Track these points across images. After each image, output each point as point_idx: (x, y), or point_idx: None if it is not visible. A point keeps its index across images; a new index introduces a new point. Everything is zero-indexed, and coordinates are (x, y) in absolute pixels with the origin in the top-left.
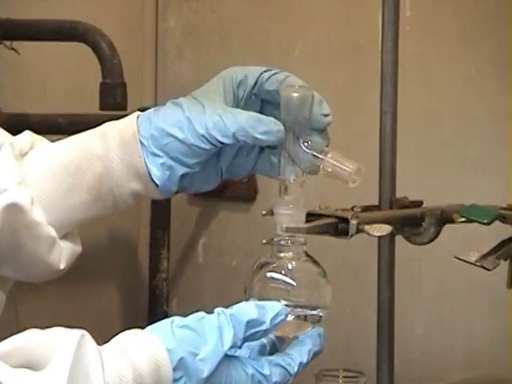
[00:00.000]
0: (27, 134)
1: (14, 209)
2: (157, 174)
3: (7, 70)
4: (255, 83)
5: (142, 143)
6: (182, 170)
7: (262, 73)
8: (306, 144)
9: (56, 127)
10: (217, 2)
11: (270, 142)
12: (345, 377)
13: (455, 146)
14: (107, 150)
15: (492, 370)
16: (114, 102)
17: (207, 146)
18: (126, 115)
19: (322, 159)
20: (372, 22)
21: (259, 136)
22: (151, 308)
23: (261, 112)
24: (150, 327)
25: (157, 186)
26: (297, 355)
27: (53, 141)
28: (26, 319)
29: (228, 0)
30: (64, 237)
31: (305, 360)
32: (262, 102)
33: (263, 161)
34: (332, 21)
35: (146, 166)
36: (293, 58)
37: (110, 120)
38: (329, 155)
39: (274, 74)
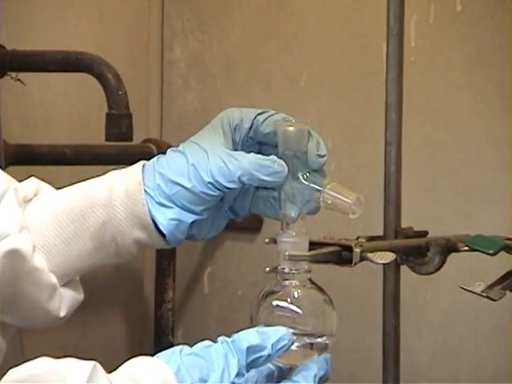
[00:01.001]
0: (33, 181)
1: (14, 255)
2: (163, 223)
3: (13, 101)
4: (251, 127)
5: (147, 193)
6: (190, 218)
7: (256, 116)
8: (305, 176)
9: (61, 158)
10: (222, 33)
11: (275, 183)
12: None
13: (460, 176)
14: (111, 198)
15: None
16: (119, 132)
17: (215, 193)
18: (131, 146)
19: (321, 191)
20: (377, 52)
21: (265, 178)
22: (157, 338)
23: (259, 154)
24: (158, 354)
25: (163, 235)
26: (303, 381)
27: (59, 171)
28: (32, 350)
29: (233, 31)
30: (65, 284)
31: None
32: (260, 144)
33: (258, 201)
34: (337, 51)
35: (151, 215)
36: (298, 87)
37: (115, 150)
38: (328, 187)
39: (269, 116)
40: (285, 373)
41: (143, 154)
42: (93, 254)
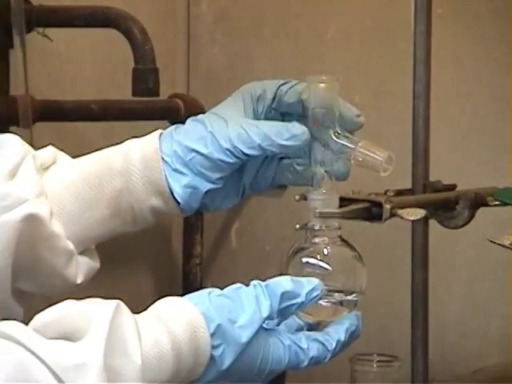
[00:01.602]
0: (50, 149)
1: (32, 220)
2: (179, 191)
3: (40, 57)
4: (274, 97)
5: (164, 160)
6: (205, 187)
7: (279, 86)
8: (336, 134)
9: (89, 113)
10: None
11: (297, 147)
12: (379, 361)
13: (489, 129)
14: (128, 165)
15: None
16: (146, 87)
17: (232, 160)
18: (158, 101)
19: (352, 149)
20: (404, 5)
21: (285, 142)
22: (185, 293)
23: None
24: (186, 296)
25: (178, 203)
26: (334, 333)
27: (86, 127)
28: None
29: None
30: (82, 252)
31: (342, 338)
32: (283, 115)
33: (283, 171)
34: (364, 4)
35: (168, 183)
36: (325, 41)
37: (142, 105)
38: (359, 144)
39: (292, 86)
40: (314, 330)
41: (170, 109)
42: (109, 221)
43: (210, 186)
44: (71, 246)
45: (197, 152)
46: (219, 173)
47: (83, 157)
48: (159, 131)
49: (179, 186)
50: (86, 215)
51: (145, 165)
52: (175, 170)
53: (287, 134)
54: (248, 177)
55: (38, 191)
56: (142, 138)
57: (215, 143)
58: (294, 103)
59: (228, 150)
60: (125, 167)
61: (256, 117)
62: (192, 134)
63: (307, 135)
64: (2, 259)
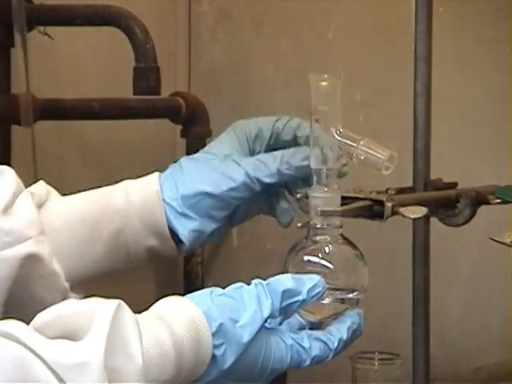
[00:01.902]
0: (42, 185)
1: (33, 258)
2: (186, 235)
3: (41, 55)
4: (270, 135)
5: (166, 203)
6: (211, 228)
7: (274, 123)
8: (338, 132)
9: (90, 112)
10: None
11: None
12: (380, 359)
13: (489, 127)
14: (128, 206)
15: None
16: (147, 86)
17: (245, 194)
18: (159, 99)
19: (354, 147)
20: (405, 3)
21: (303, 163)
22: (186, 292)
23: None
24: (188, 295)
25: (180, 243)
26: (336, 331)
27: (87, 126)
28: None
29: None
30: (70, 288)
31: (344, 336)
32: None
33: (266, 204)
34: (365, 2)
35: (171, 226)
36: (326, 40)
37: (143, 104)
38: (361, 143)
39: (287, 123)
40: (316, 329)
41: (171, 107)
42: (103, 260)
43: (215, 225)
44: (67, 284)
45: (206, 194)
46: (226, 211)
47: (80, 194)
48: (157, 173)
49: (187, 230)
50: (83, 253)
51: (145, 207)
52: (182, 214)
53: (302, 154)
54: (241, 213)
55: (39, 229)
56: (140, 179)
57: (227, 181)
58: (291, 140)
59: (244, 183)
60: (124, 208)
61: (253, 155)
62: (197, 175)
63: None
64: None
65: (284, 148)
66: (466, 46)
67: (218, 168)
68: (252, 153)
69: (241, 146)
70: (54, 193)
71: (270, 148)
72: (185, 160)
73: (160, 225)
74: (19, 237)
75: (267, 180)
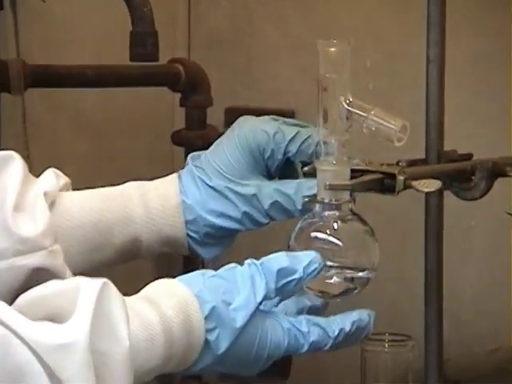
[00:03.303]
0: (52, 177)
1: (46, 271)
2: (207, 257)
3: (33, 20)
4: (284, 154)
5: (188, 233)
6: (229, 243)
7: (287, 144)
8: (347, 102)
9: (84, 79)
10: None
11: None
12: (391, 340)
13: (507, 96)
14: (146, 217)
15: None
16: (144, 52)
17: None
18: (157, 66)
19: (365, 117)
20: None
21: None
22: (186, 272)
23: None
24: (179, 277)
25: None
26: (339, 321)
27: (82, 95)
28: None
29: None
30: None
31: (347, 328)
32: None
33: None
34: None
35: (191, 247)
36: (333, 3)
37: (140, 71)
38: (372, 113)
39: (302, 144)
40: (319, 313)
41: (170, 74)
42: (112, 264)
43: (229, 243)
44: None
45: (229, 229)
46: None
47: (93, 193)
48: (177, 184)
49: (207, 254)
50: (93, 258)
51: (164, 223)
52: (205, 245)
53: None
54: None
55: (53, 237)
56: (158, 186)
57: (252, 221)
58: (307, 156)
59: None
60: (141, 219)
61: (270, 174)
62: (216, 207)
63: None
64: None
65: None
66: (480, 9)
67: (241, 206)
68: (269, 172)
69: (258, 165)
70: (63, 183)
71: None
72: (202, 186)
73: (180, 239)
74: (33, 246)
75: (286, 217)
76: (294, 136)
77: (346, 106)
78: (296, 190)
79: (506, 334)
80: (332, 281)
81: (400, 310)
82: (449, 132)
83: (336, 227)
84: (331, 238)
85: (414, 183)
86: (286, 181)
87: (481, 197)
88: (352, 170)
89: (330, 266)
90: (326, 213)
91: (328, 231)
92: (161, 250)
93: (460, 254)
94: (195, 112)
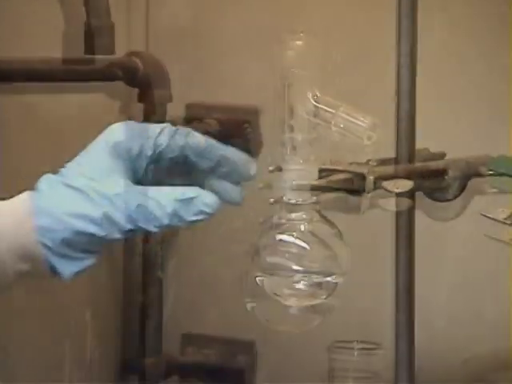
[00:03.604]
0: None
1: None
2: (66, 275)
3: None
4: (153, 152)
5: (44, 244)
6: (91, 262)
7: (156, 138)
8: (315, 98)
9: (34, 74)
10: None
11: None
12: (360, 349)
13: (483, 90)
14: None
15: None
16: (100, 44)
17: (129, 235)
18: (113, 60)
19: (333, 114)
20: None
21: (194, 218)
22: (145, 274)
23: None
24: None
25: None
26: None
27: (31, 90)
28: None
29: None
30: None
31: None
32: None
33: None
34: None
35: (50, 265)
36: None
37: (95, 65)
38: (341, 109)
39: (172, 136)
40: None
41: (127, 68)
42: None
43: (94, 259)
44: None
45: (90, 234)
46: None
47: None
48: (28, 193)
49: (67, 271)
50: None
51: (17, 231)
52: (62, 256)
53: (195, 208)
54: None
55: None
56: (12, 200)
57: (113, 225)
58: (178, 156)
59: (131, 230)
60: None
61: (137, 177)
62: (74, 208)
63: (218, 204)
64: None
65: (170, 163)
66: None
67: (102, 206)
68: (136, 174)
69: (125, 167)
70: None
71: (154, 162)
72: (63, 186)
73: (34, 254)
74: None
75: (153, 230)
76: (163, 128)
77: (313, 102)
78: (168, 194)
79: (481, 342)
80: (298, 286)
81: (370, 316)
82: (421, 130)
83: (302, 229)
84: (297, 241)
85: (385, 183)
86: (158, 187)
87: (454, 198)
88: (319, 170)
89: (297, 271)
90: (293, 214)
91: (294, 234)
92: (18, 268)
93: (432, 257)
94: (154, 108)
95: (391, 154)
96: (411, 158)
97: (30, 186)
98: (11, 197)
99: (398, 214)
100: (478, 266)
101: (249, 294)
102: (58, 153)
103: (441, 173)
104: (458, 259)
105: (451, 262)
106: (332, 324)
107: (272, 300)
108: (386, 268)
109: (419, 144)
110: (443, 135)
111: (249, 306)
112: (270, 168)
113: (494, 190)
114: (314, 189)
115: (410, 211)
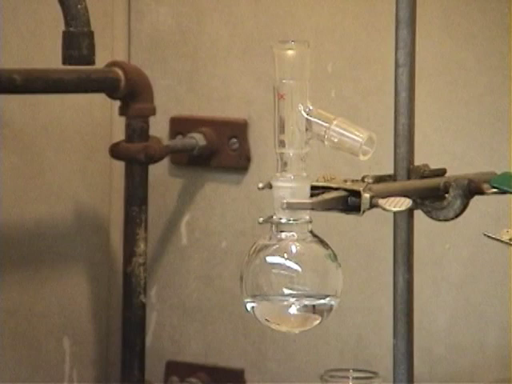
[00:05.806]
0: None
1: None
2: None
3: None
4: None
5: None
6: None
7: None
8: (307, 110)
9: (10, 85)
10: None
11: None
12: (356, 378)
13: (485, 103)
14: None
15: None
16: (79, 54)
17: None
18: (94, 70)
19: (326, 128)
20: None
21: None
22: (126, 298)
23: None
24: None
25: None
26: None
27: (7, 103)
28: None
29: None
30: None
31: None
32: None
33: None
34: None
35: None
36: (295, 1)
37: (74, 76)
38: (334, 123)
39: None
40: None
41: (108, 79)
42: None
43: None
44: None
45: None
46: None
47: None
48: None
49: None
50: None
51: None
52: None
53: None
54: None
55: None
56: None
57: None
58: None
59: None
60: None
61: None
62: None
63: None
64: None
65: None
66: (455, 6)
67: None
68: None
69: None
70: None
71: None
72: None
73: None
74: None
75: None
76: None
77: (305, 115)
78: None
79: (483, 371)
80: (291, 310)
81: (366, 343)
82: (420, 145)
83: (294, 250)
84: (288, 263)
85: (382, 202)
86: None
87: (455, 217)
88: (312, 187)
89: (289, 294)
90: (283, 234)
91: (285, 255)
92: None
93: (432, 281)
94: (136, 122)
95: (388, 171)
96: (410, 175)
97: (30, 185)
98: None
99: (395, 232)
100: (481, 289)
101: (248, 293)
102: (58, 153)
103: (441, 190)
104: (459, 282)
105: (452, 285)
106: (325, 350)
107: (272, 300)
108: (383, 290)
109: (418, 160)
110: (443, 152)
111: (249, 306)
112: (260, 185)
113: (494, 191)
114: (306, 207)
115: (409, 230)
